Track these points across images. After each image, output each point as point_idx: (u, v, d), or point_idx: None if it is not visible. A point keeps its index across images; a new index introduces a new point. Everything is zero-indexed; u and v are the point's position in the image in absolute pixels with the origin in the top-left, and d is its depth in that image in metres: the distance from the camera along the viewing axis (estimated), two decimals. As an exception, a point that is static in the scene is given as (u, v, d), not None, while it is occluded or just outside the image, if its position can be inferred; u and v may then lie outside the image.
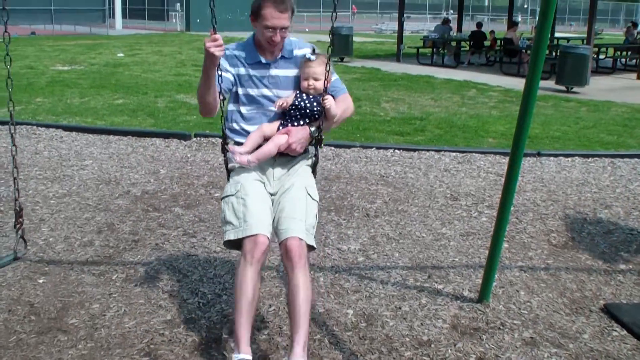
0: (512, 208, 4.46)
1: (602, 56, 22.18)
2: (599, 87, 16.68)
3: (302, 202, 3.62)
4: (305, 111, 3.69)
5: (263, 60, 3.77)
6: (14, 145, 5.10)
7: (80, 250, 5.40)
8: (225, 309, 4.48)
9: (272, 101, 3.79)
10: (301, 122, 3.70)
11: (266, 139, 3.70)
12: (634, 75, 19.69)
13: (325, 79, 3.66)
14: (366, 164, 8.39)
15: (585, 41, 18.50)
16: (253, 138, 3.68)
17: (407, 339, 4.14)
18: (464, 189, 7.39)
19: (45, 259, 5.21)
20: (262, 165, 3.74)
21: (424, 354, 3.97)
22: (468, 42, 23.79)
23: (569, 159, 8.95)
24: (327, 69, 3.64)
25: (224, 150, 3.76)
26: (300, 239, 3.51)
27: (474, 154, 9.00)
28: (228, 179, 3.82)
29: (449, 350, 4.02)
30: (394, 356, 3.95)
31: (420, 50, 23.03)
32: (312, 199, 3.70)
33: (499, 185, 7.35)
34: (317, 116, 3.70)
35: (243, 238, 3.51)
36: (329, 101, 3.66)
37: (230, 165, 3.75)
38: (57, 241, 5.57)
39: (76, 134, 9.61)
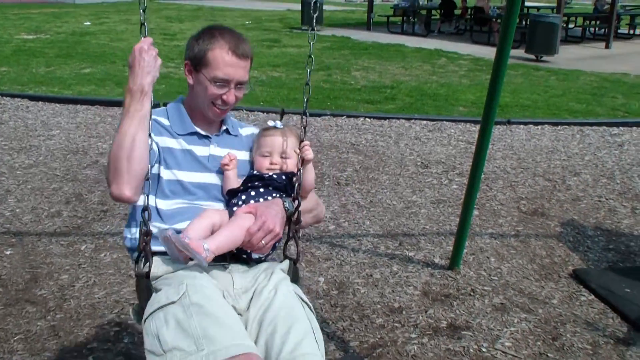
0: (482, 176, 4.47)
1: (571, 25, 22.23)
2: (568, 56, 16.74)
3: (300, 313, 2.26)
4: (273, 183, 2.52)
5: (202, 132, 2.59)
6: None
7: (48, 221, 5.33)
8: (196, 278, 4.45)
9: (210, 191, 2.54)
10: (266, 197, 2.47)
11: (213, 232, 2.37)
12: (603, 44, 19.77)
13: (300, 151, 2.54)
14: (337, 132, 8.36)
15: (555, 10, 18.54)
16: (198, 225, 2.35)
17: (379, 306, 4.16)
18: (434, 157, 7.40)
19: (12, 231, 5.13)
20: (210, 270, 2.36)
21: (395, 321, 3.99)
22: (438, 11, 23.73)
23: (539, 127, 9.00)
24: (311, 45, 2.54)
25: (141, 255, 2.33)
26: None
27: (444, 122, 9.02)
28: (147, 294, 2.31)
29: (420, 317, 4.04)
30: (365, 323, 3.96)
31: (391, 18, 22.91)
32: (311, 309, 2.36)
33: (469, 153, 7.37)
34: (289, 191, 2.54)
35: None
36: (308, 149, 2.54)
37: (153, 270, 2.32)
38: (24, 212, 5.49)
39: (42, 104, 9.45)
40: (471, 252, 4.97)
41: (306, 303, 2.35)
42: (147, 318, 2.21)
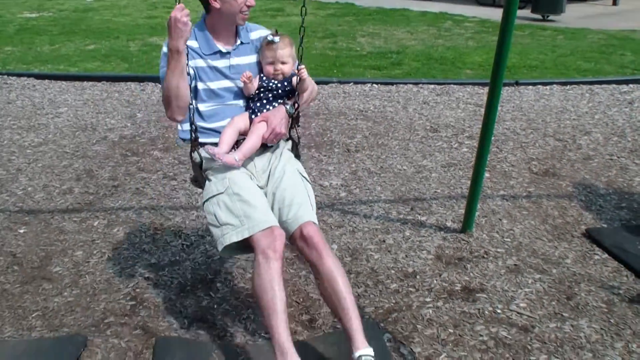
0: (492, 138, 4.44)
1: (577, -17, 22.01)
2: (575, 15, 16.56)
3: (301, 187, 3.29)
4: (278, 92, 3.36)
5: (223, 50, 3.34)
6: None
7: (60, 199, 5.35)
8: (209, 249, 4.47)
9: (235, 93, 3.39)
10: (274, 104, 3.34)
11: (241, 134, 3.31)
12: (610, 1, 19.55)
13: (294, 61, 3.39)
14: (344, 99, 8.32)
15: (560, -32, 18.30)
16: (228, 136, 3.26)
17: (393, 271, 4.17)
18: (443, 121, 7.36)
19: (25, 209, 5.15)
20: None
21: (409, 285, 4.00)
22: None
23: (547, 87, 8.93)
24: (299, 51, 3.33)
25: (194, 151, 3.30)
26: (314, 223, 3.17)
27: (452, 85, 8.95)
28: (203, 181, 3.36)
29: (435, 281, 4.05)
30: (380, 289, 3.97)
31: (395, -17, 22.70)
32: (308, 182, 3.38)
33: (479, 116, 7.33)
34: (290, 95, 3.39)
35: (251, 237, 3.04)
36: (304, 71, 3.29)
37: (205, 164, 3.34)
38: (35, 190, 5.50)
39: (49, 82, 9.42)
40: (483, 214, 4.96)
41: (305, 178, 3.38)
42: (205, 202, 3.26)
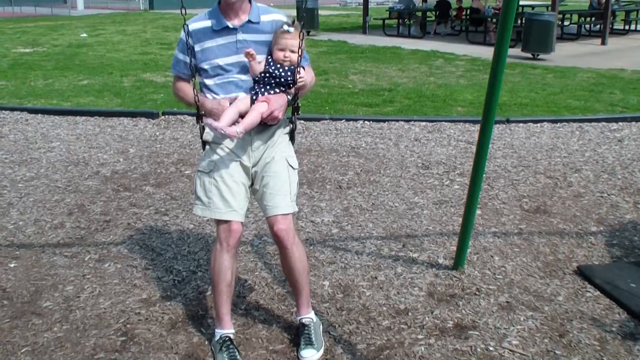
0: (483, 175, 4.47)
1: (566, 23, 22.28)
2: (564, 54, 16.77)
3: (284, 175, 3.61)
4: (280, 80, 3.56)
5: (230, 26, 3.58)
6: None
7: (51, 233, 5.33)
8: (200, 285, 4.45)
9: (242, 67, 3.61)
10: (276, 90, 3.56)
11: (240, 115, 3.52)
12: (599, 40, 19.79)
13: (300, 53, 3.57)
14: (336, 136, 8.36)
15: (549, 8, 18.56)
16: (230, 114, 3.48)
17: (385, 308, 4.15)
18: (435, 158, 7.40)
19: (16, 243, 5.13)
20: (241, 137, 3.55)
21: (401, 322, 3.99)
22: (434, 13, 23.76)
23: (538, 124, 9.01)
24: (302, 42, 3.57)
25: (199, 120, 3.64)
26: (287, 215, 3.57)
27: (443, 122, 9.02)
28: (204, 149, 3.72)
29: (427, 318, 4.04)
30: (372, 325, 3.96)
31: (386, 21, 22.93)
32: (293, 168, 3.69)
33: (470, 153, 7.38)
34: (290, 85, 3.61)
35: (218, 221, 3.59)
36: (304, 78, 3.59)
37: (204, 136, 3.67)
38: (27, 224, 5.49)
39: (42, 116, 9.45)
40: (475, 251, 4.97)
41: (291, 166, 3.66)
42: (196, 173, 3.69)
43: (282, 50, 3.57)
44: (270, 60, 3.59)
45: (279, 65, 3.57)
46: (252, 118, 3.46)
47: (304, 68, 3.63)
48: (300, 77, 3.57)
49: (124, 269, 4.69)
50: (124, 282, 4.51)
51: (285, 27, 3.57)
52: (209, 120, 3.38)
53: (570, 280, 4.54)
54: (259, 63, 3.56)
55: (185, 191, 6.27)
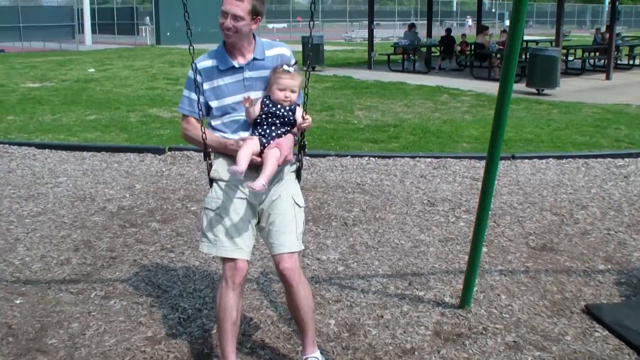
0: (489, 212, 4.46)
1: (570, 58, 22.42)
2: (569, 89, 16.84)
3: (290, 213, 3.62)
4: (284, 119, 3.59)
5: (236, 65, 3.62)
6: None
7: (58, 269, 5.33)
8: (206, 323, 4.44)
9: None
10: (281, 130, 3.59)
11: (252, 154, 3.54)
12: (603, 75, 19.90)
13: (305, 92, 3.65)
14: (342, 172, 8.38)
15: (553, 43, 18.68)
16: (245, 155, 3.47)
17: (391, 348, 4.13)
18: (440, 195, 7.41)
19: (22, 279, 5.14)
20: (247, 174, 3.50)
21: (408, 362, 3.96)
22: (438, 48, 23.93)
23: (543, 160, 9.02)
24: (307, 82, 3.65)
25: (206, 157, 3.68)
26: (293, 253, 3.59)
27: (449, 159, 9.04)
28: (211, 186, 3.71)
29: (433, 357, 4.01)
30: (378, 365, 3.94)
31: (391, 57, 23.09)
32: (299, 206, 3.70)
33: (475, 190, 7.38)
34: (293, 124, 3.64)
35: (224, 259, 3.59)
36: (309, 119, 3.61)
37: (212, 174, 3.67)
38: (33, 260, 5.49)
39: (49, 151, 9.51)
40: (481, 289, 4.95)
41: (297, 204, 3.67)
42: (203, 210, 3.70)
43: (282, 90, 3.59)
44: (267, 101, 3.62)
45: (279, 106, 3.59)
46: (272, 167, 3.49)
47: (299, 105, 3.68)
48: (306, 118, 3.60)
49: (130, 306, 4.69)
50: (130, 319, 4.50)
51: (285, 67, 3.60)
52: (235, 168, 3.39)
53: (578, 320, 4.51)
54: (255, 107, 3.57)
55: (191, 227, 6.28)
